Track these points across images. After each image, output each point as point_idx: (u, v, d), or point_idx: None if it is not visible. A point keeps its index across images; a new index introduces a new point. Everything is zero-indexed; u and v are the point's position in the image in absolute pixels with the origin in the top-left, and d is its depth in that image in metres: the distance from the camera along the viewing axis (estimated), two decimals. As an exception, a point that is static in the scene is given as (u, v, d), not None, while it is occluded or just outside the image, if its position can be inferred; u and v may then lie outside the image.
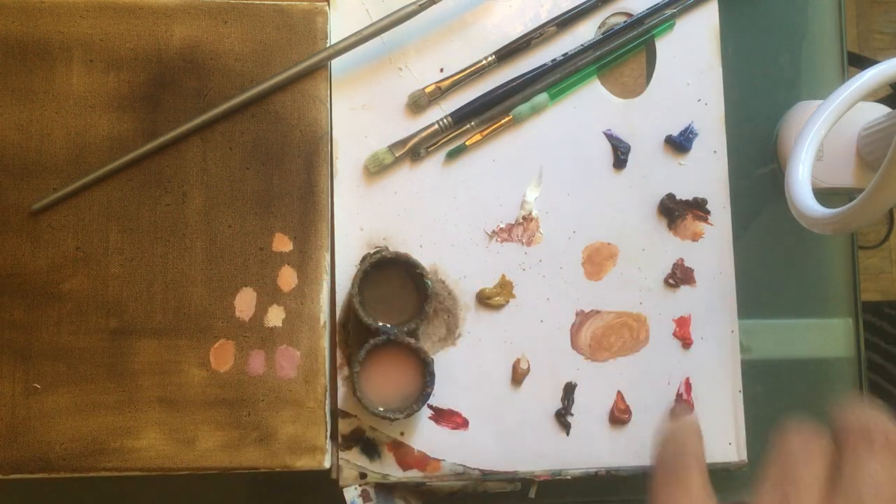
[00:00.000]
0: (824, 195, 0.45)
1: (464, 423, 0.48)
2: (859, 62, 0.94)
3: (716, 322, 0.50)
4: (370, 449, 0.48)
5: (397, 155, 0.49)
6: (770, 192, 0.54)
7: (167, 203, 0.46)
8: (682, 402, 0.49)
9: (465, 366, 0.49)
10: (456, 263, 0.49)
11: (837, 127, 0.46)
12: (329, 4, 0.49)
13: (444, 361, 0.49)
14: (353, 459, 0.47)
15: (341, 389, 0.48)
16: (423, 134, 0.49)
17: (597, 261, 0.50)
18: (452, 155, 0.50)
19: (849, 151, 0.51)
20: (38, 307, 0.45)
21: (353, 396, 0.46)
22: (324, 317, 0.46)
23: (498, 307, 0.49)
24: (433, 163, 0.50)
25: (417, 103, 0.49)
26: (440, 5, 0.49)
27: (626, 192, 0.51)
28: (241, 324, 0.46)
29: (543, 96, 0.50)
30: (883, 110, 0.51)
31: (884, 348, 1.23)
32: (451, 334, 0.49)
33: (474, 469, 0.48)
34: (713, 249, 0.51)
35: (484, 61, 0.50)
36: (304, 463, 0.45)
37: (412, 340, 0.46)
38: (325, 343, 0.46)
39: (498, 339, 0.49)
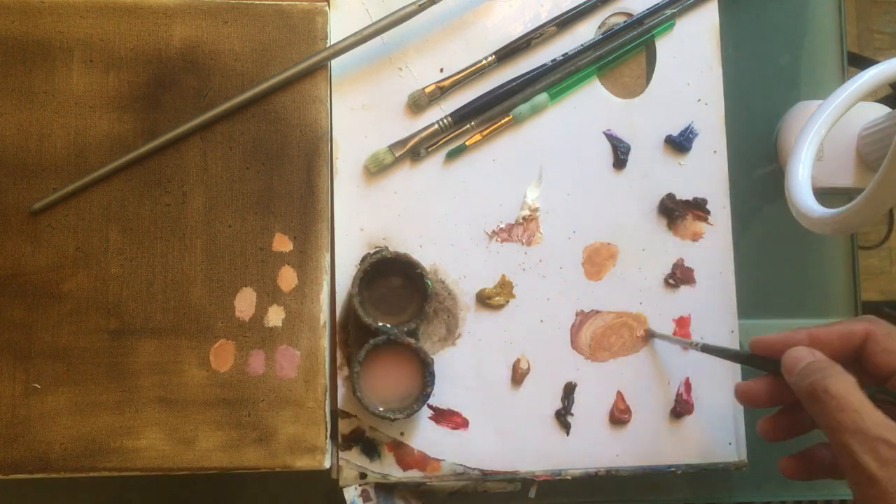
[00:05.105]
0: (824, 195, 0.45)
1: (464, 423, 0.48)
2: (859, 62, 0.94)
3: (716, 322, 0.50)
4: (370, 449, 0.48)
5: (397, 155, 0.49)
6: (770, 192, 0.54)
7: (167, 203, 0.46)
8: (682, 402, 0.49)
9: (465, 366, 0.49)
10: (456, 263, 0.49)
11: (837, 127, 0.46)
12: (329, 4, 0.49)
13: (444, 361, 0.49)
14: (353, 459, 0.47)
15: (341, 389, 0.48)
16: (423, 134, 0.49)
17: (597, 261, 0.50)
18: (452, 155, 0.50)
19: (849, 151, 0.51)
20: (38, 307, 0.45)
21: (353, 396, 0.46)
22: (324, 317, 0.46)
23: (498, 307, 0.49)
24: (433, 163, 0.50)
25: (417, 103, 0.49)
26: (440, 5, 0.49)
27: (626, 192, 0.51)
28: (241, 324, 0.46)
29: (543, 96, 0.50)
30: (883, 110, 0.51)
31: (884, 348, 1.22)
32: (451, 334, 0.49)
33: (474, 469, 0.48)
34: (713, 249, 0.51)
35: (484, 61, 0.50)
36: (304, 463, 0.45)
37: (412, 340, 0.46)
38: (325, 343, 0.46)
39: (498, 339, 0.49)
